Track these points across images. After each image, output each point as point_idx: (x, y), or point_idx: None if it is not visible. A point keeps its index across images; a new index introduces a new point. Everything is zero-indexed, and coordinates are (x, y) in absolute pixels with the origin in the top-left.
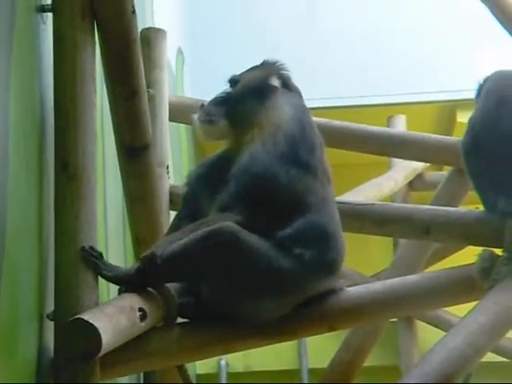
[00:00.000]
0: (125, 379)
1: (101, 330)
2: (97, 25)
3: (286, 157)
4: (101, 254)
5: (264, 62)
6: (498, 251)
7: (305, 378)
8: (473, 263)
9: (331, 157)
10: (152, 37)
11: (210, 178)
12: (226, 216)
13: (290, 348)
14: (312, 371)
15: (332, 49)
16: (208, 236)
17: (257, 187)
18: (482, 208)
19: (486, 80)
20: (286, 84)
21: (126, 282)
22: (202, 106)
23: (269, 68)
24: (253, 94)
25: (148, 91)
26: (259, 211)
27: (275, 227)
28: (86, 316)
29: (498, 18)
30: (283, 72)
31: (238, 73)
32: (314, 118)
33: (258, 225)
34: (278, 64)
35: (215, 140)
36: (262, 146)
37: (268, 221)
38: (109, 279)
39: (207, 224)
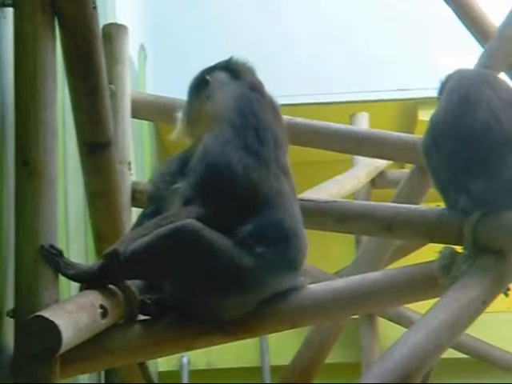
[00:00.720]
0: (85, 377)
1: (61, 328)
2: (58, 21)
3: (234, 144)
4: (61, 252)
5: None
6: (459, 248)
7: (266, 375)
8: (434, 260)
9: (294, 154)
10: (114, 33)
11: (174, 176)
12: (188, 209)
13: (251, 345)
14: (274, 368)
15: (295, 46)
16: (171, 233)
17: (213, 177)
18: (443, 206)
19: (448, 78)
20: (237, 76)
21: (88, 281)
22: None
23: (218, 63)
24: (193, 90)
25: (110, 87)
26: (219, 202)
27: (236, 222)
28: (46, 313)
29: (460, 18)
30: (233, 65)
31: (199, 70)
32: None
33: (219, 217)
34: (233, 59)
35: (183, 139)
36: (213, 136)
37: (229, 213)
38: (69, 277)
39: (170, 219)
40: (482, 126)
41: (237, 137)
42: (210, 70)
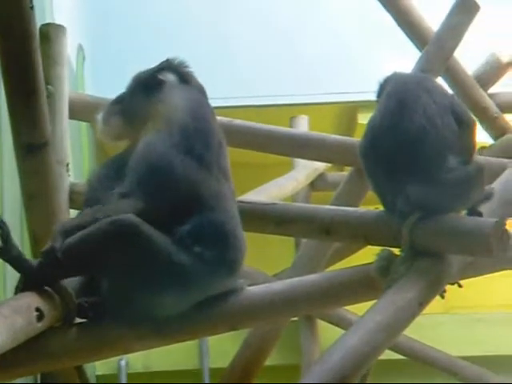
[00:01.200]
0: (21, 381)
1: None
2: None
3: (180, 147)
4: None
5: (165, 60)
6: (397, 251)
7: (206, 377)
8: (371, 263)
9: (234, 156)
10: (51, 33)
11: (111, 178)
12: (126, 203)
13: (190, 348)
14: (213, 371)
15: (235, 48)
16: (108, 227)
17: (152, 175)
18: (381, 208)
19: (386, 81)
20: (185, 79)
21: (27, 275)
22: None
23: (164, 64)
24: (142, 90)
25: (47, 88)
26: (157, 200)
27: (174, 222)
28: None
29: (399, 23)
30: (181, 68)
31: (138, 71)
32: (216, 117)
33: (157, 215)
34: (177, 61)
35: (115, 140)
36: (156, 135)
37: (167, 212)
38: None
39: (105, 211)
40: (419, 131)
41: (184, 140)
42: (158, 71)
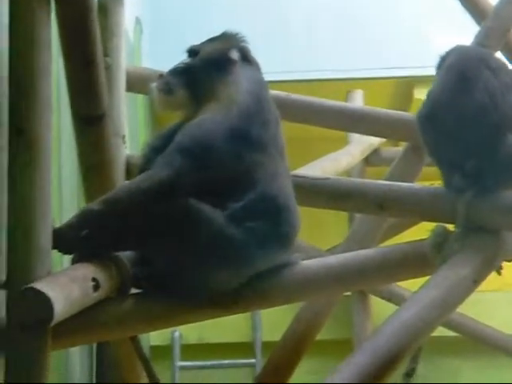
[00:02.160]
0: (77, 350)
1: (53, 300)
2: None
3: (236, 132)
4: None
5: (224, 33)
6: (451, 227)
7: (258, 350)
8: (426, 239)
9: (289, 131)
10: (109, 5)
11: (162, 150)
12: (149, 173)
13: (243, 320)
14: (265, 344)
15: (290, 22)
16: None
17: (193, 149)
18: (436, 184)
19: (448, 54)
20: (246, 57)
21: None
22: (161, 75)
23: (228, 40)
24: (212, 67)
25: (105, 60)
26: (186, 173)
27: (227, 198)
28: (38, 285)
29: None
30: (243, 44)
31: (197, 43)
32: (272, 92)
33: (181, 187)
34: (238, 36)
35: (173, 111)
36: (213, 116)
37: (195, 187)
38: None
39: (128, 187)
40: (478, 107)
41: (244, 123)
42: (228, 49)
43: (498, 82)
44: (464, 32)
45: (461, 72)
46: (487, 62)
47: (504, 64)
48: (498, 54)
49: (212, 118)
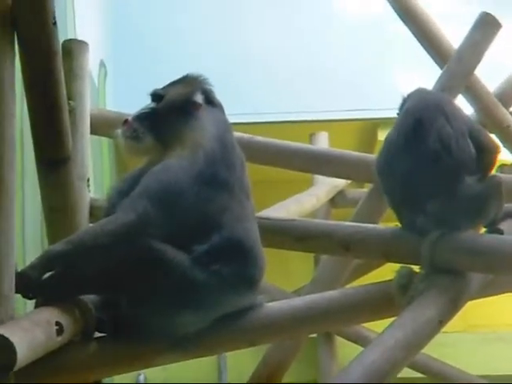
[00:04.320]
0: None
1: (16, 345)
2: (17, 35)
3: (202, 176)
4: None
5: (187, 76)
6: (416, 268)
7: None
8: (391, 280)
9: (254, 173)
10: (74, 48)
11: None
12: (114, 217)
13: (209, 363)
14: None
15: (254, 65)
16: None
17: (159, 195)
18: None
19: (408, 98)
20: (209, 99)
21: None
22: (126, 121)
23: (192, 83)
24: (177, 111)
25: (69, 103)
26: (152, 218)
27: (192, 241)
28: (1, 330)
29: (419, 39)
30: (206, 87)
31: (160, 87)
32: (236, 133)
33: (144, 230)
34: (201, 78)
35: (140, 157)
36: (179, 160)
37: (160, 231)
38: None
39: (93, 230)
40: (432, 153)
41: (210, 168)
42: (192, 93)
43: (453, 129)
44: (428, 74)
45: (416, 118)
46: (443, 108)
47: (460, 110)
48: (460, 97)
49: (178, 163)
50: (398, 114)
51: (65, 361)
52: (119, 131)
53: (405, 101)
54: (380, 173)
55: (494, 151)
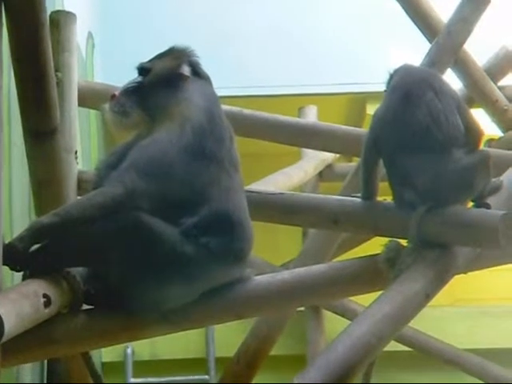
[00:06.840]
0: (28, 367)
1: (3, 316)
2: (4, 7)
3: (191, 149)
4: None
5: (173, 48)
6: (404, 242)
7: (211, 366)
8: (379, 253)
9: (242, 146)
10: (61, 20)
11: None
12: (103, 190)
13: (196, 336)
14: (219, 360)
15: (244, 38)
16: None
17: (147, 167)
18: (388, 200)
19: (394, 73)
20: (196, 71)
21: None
22: (113, 95)
23: (179, 55)
24: (164, 84)
25: (56, 75)
26: (141, 190)
27: (181, 214)
28: None
29: (408, 14)
30: (193, 59)
31: (147, 60)
32: (225, 107)
33: (134, 203)
34: (188, 50)
35: (128, 131)
36: (167, 134)
37: (148, 203)
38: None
39: (81, 203)
40: (421, 128)
41: (198, 141)
42: (179, 65)
43: (442, 104)
44: (417, 48)
45: (404, 93)
46: (431, 83)
47: (448, 85)
48: (449, 71)
49: (166, 137)
50: (385, 90)
51: (52, 333)
52: (106, 106)
53: (391, 76)
54: (369, 148)
55: (479, 133)
